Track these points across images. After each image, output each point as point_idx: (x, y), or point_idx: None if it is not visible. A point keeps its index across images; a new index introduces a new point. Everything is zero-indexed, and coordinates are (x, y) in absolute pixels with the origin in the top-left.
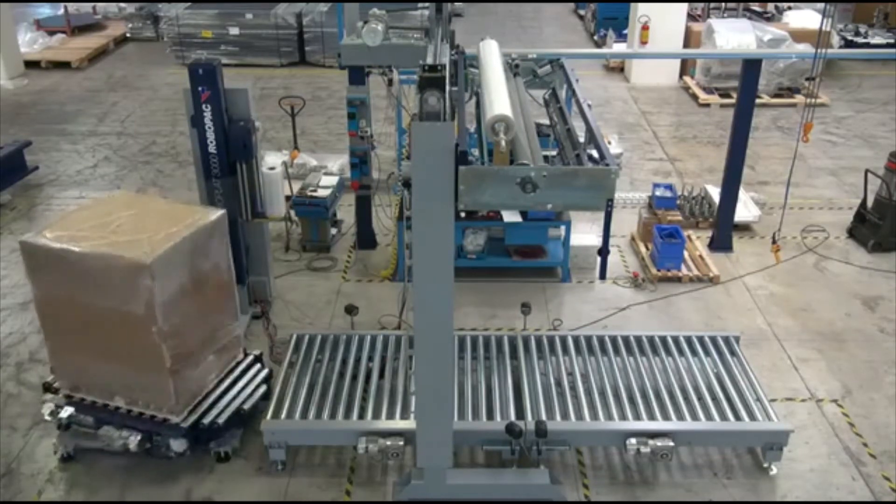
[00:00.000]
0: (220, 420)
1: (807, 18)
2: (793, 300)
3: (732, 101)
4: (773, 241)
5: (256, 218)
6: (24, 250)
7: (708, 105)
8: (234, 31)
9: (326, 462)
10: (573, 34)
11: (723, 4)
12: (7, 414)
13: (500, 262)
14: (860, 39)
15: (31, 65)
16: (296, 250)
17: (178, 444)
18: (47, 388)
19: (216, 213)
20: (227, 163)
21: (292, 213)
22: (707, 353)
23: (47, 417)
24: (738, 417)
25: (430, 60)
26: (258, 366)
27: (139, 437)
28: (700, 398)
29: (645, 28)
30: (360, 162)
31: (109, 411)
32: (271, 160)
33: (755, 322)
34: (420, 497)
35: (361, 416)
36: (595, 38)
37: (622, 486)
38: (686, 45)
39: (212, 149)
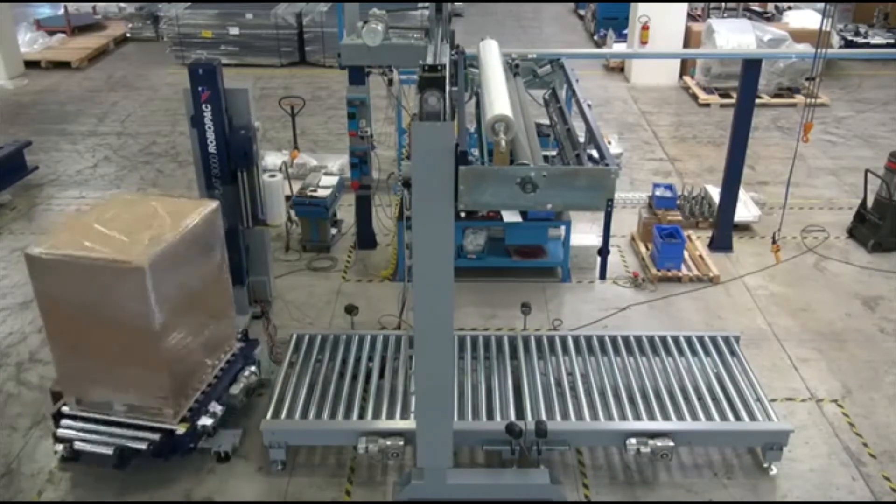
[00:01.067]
0: None
1: (807, 18)
2: (793, 300)
3: (732, 101)
4: (773, 241)
5: (257, 225)
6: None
7: (708, 105)
8: (234, 31)
9: (326, 462)
10: (573, 34)
11: (723, 4)
12: (7, 414)
13: (500, 262)
14: (860, 39)
15: (31, 65)
16: (296, 250)
17: None
18: None
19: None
20: (227, 168)
21: (292, 213)
22: (707, 353)
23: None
24: (738, 417)
25: (430, 60)
26: None
27: None
28: (700, 398)
29: (645, 28)
30: (360, 162)
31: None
32: (271, 160)
33: (755, 322)
34: (420, 497)
35: (361, 416)
36: (595, 38)
37: (622, 486)
38: (686, 45)
39: (212, 149)
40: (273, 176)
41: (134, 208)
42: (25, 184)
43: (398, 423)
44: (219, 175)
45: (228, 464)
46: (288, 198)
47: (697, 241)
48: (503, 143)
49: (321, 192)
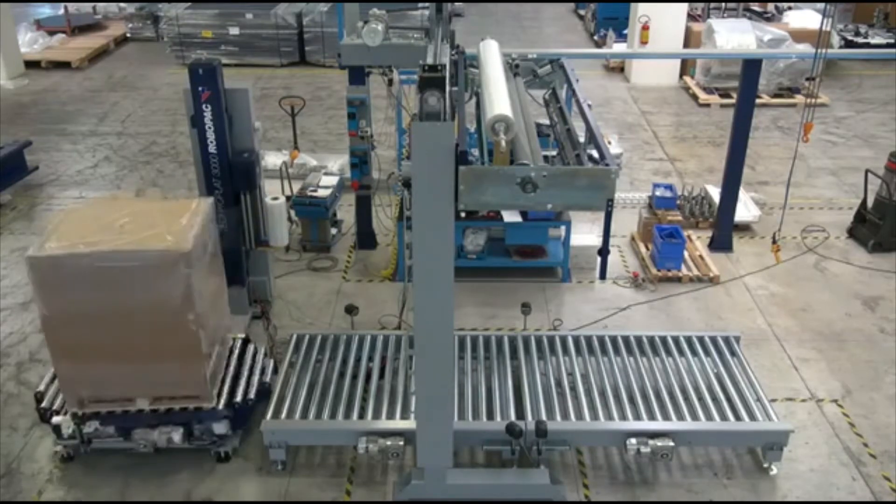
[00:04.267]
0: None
1: (807, 18)
2: (793, 300)
3: (732, 101)
4: (774, 241)
5: (260, 246)
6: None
7: (708, 105)
8: (234, 31)
9: (326, 462)
10: (573, 34)
11: (723, 4)
12: (7, 414)
13: (500, 262)
14: (860, 39)
15: (31, 65)
16: (296, 250)
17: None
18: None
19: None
20: (230, 191)
21: (292, 213)
22: (707, 353)
23: (62, 443)
24: (738, 417)
25: (430, 60)
26: None
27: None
28: (700, 398)
29: (645, 28)
30: (360, 162)
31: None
32: (271, 160)
33: (755, 322)
34: (420, 497)
35: (361, 416)
36: (595, 38)
37: (622, 486)
38: (686, 45)
39: (212, 149)
40: (276, 199)
41: (131, 209)
42: (25, 184)
43: (398, 423)
44: (219, 175)
45: (228, 464)
46: (288, 198)
47: (697, 241)
48: (503, 143)
49: (321, 192)
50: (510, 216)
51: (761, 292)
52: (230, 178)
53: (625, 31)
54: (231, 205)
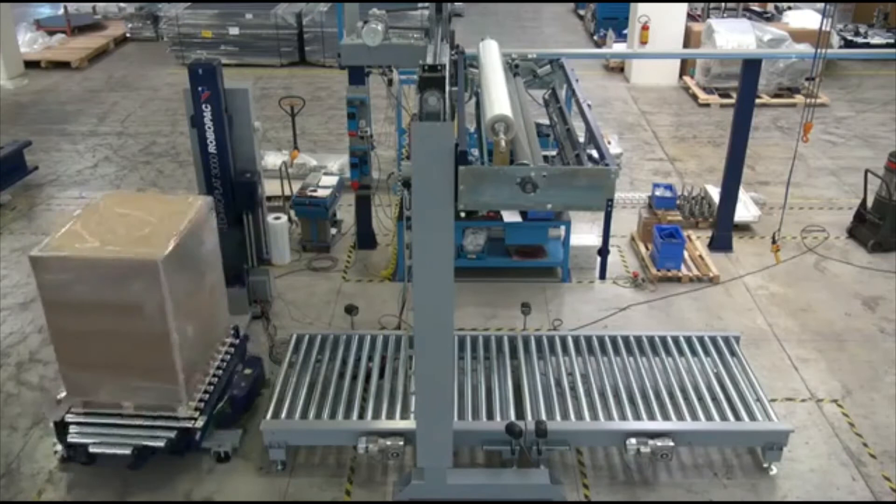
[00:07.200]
0: None
1: (807, 18)
2: (793, 300)
3: (732, 101)
4: (773, 241)
5: (262, 265)
6: None
7: (708, 105)
8: (234, 31)
9: (326, 462)
10: (573, 34)
11: (723, 4)
12: (7, 414)
13: (500, 262)
14: (860, 39)
15: (31, 65)
16: (296, 250)
17: None
18: None
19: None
20: (232, 210)
21: (292, 213)
22: (707, 353)
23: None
24: (738, 417)
25: (430, 60)
26: None
27: None
28: (700, 398)
29: (645, 28)
30: (360, 162)
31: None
32: (271, 160)
33: (755, 322)
34: (420, 497)
35: (361, 416)
36: (595, 38)
37: (622, 486)
38: (686, 45)
39: (212, 149)
40: (278, 218)
41: (129, 206)
42: (25, 184)
43: (398, 423)
44: (218, 175)
45: (228, 464)
46: (288, 198)
47: (697, 241)
48: (503, 143)
49: (321, 192)
50: (510, 216)
51: (761, 292)
52: (233, 198)
53: (625, 31)
54: (233, 223)
